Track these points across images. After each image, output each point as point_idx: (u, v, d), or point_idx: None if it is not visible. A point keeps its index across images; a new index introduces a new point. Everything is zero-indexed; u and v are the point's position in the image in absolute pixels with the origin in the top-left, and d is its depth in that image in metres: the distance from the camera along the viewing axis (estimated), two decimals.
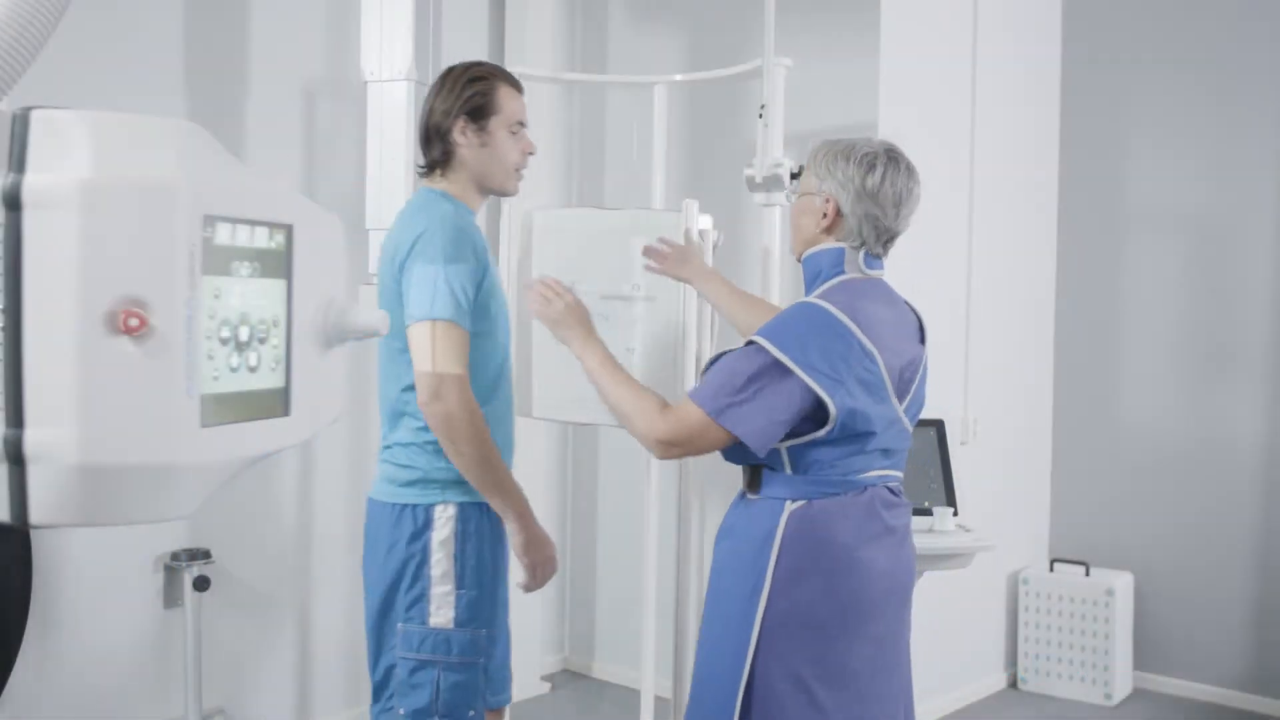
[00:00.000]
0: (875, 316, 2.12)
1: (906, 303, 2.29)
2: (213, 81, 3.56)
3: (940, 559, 2.80)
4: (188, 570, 3.39)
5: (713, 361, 2.18)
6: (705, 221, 3.16)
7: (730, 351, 2.14)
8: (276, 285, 1.53)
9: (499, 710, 2.67)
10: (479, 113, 2.46)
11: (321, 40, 3.83)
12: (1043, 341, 4.70)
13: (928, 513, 2.85)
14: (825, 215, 2.19)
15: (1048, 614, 4.46)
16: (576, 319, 2.33)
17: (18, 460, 1.30)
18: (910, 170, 2.21)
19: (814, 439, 2.08)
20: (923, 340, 2.26)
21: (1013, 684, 4.56)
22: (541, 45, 4.35)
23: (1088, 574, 4.43)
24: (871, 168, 2.15)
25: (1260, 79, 4.24)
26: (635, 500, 3.75)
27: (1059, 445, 4.73)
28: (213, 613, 3.53)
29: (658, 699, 3.64)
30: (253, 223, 1.48)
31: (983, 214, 4.22)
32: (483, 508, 2.46)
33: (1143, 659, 4.47)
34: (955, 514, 2.87)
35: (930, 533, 2.80)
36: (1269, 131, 4.23)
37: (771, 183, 3.38)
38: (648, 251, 2.76)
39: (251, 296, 1.48)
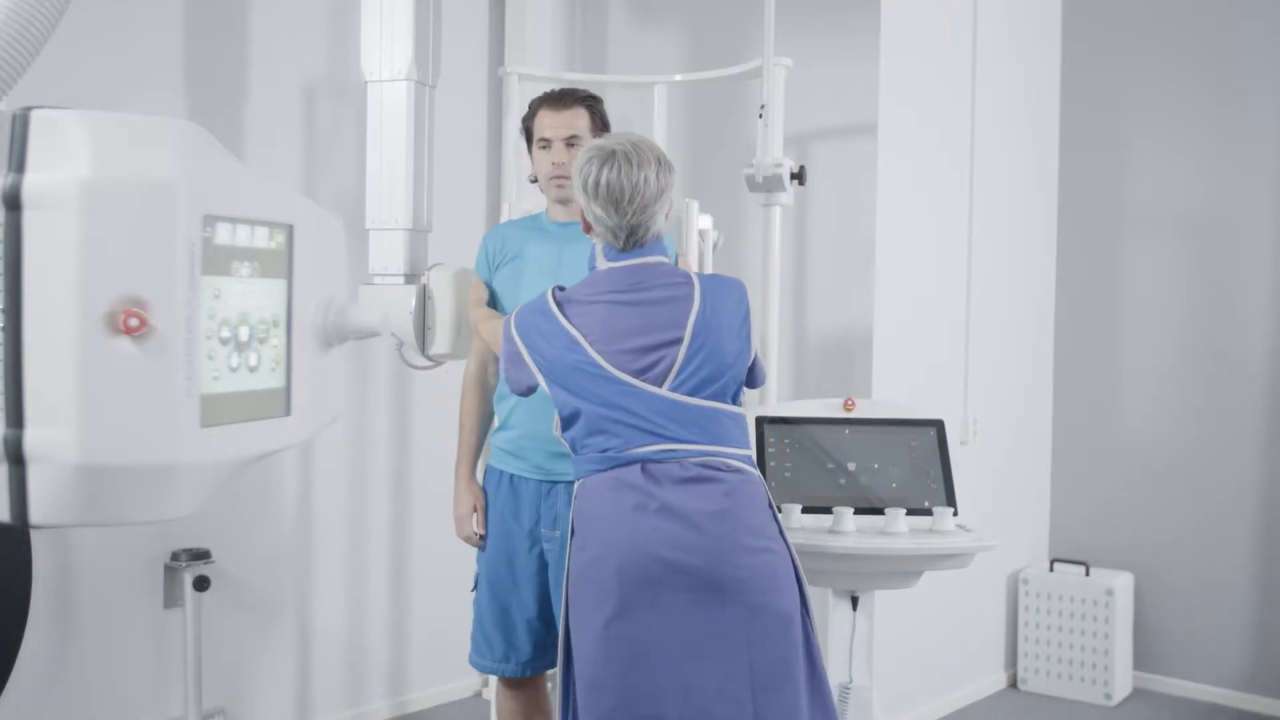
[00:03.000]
0: (590, 303, 2.32)
1: (695, 279, 2.37)
2: (213, 81, 3.56)
3: (940, 559, 2.80)
4: (188, 570, 3.39)
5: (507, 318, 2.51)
6: (705, 221, 3.16)
7: None
8: (276, 285, 1.53)
9: (509, 680, 2.82)
10: (528, 136, 2.94)
11: (321, 40, 3.83)
12: (1043, 341, 4.70)
13: (928, 513, 2.85)
14: (582, 219, 2.41)
15: (1048, 614, 4.46)
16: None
17: (18, 460, 1.30)
18: (637, 163, 2.31)
19: (564, 420, 2.33)
20: (697, 318, 2.31)
21: (1013, 684, 4.56)
22: (541, 45, 4.35)
23: (1088, 574, 4.42)
24: (596, 168, 2.31)
25: (1260, 79, 4.24)
26: None
27: (1059, 445, 4.73)
28: (213, 613, 3.53)
29: None
30: (253, 223, 1.48)
31: (982, 214, 4.22)
32: (500, 474, 2.88)
33: (1143, 659, 4.47)
34: (955, 514, 2.87)
35: (930, 533, 2.80)
36: (1269, 131, 4.23)
37: (771, 183, 3.38)
38: None
39: (251, 296, 1.48)
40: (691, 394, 2.28)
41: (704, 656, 2.20)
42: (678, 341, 2.28)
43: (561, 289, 2.40)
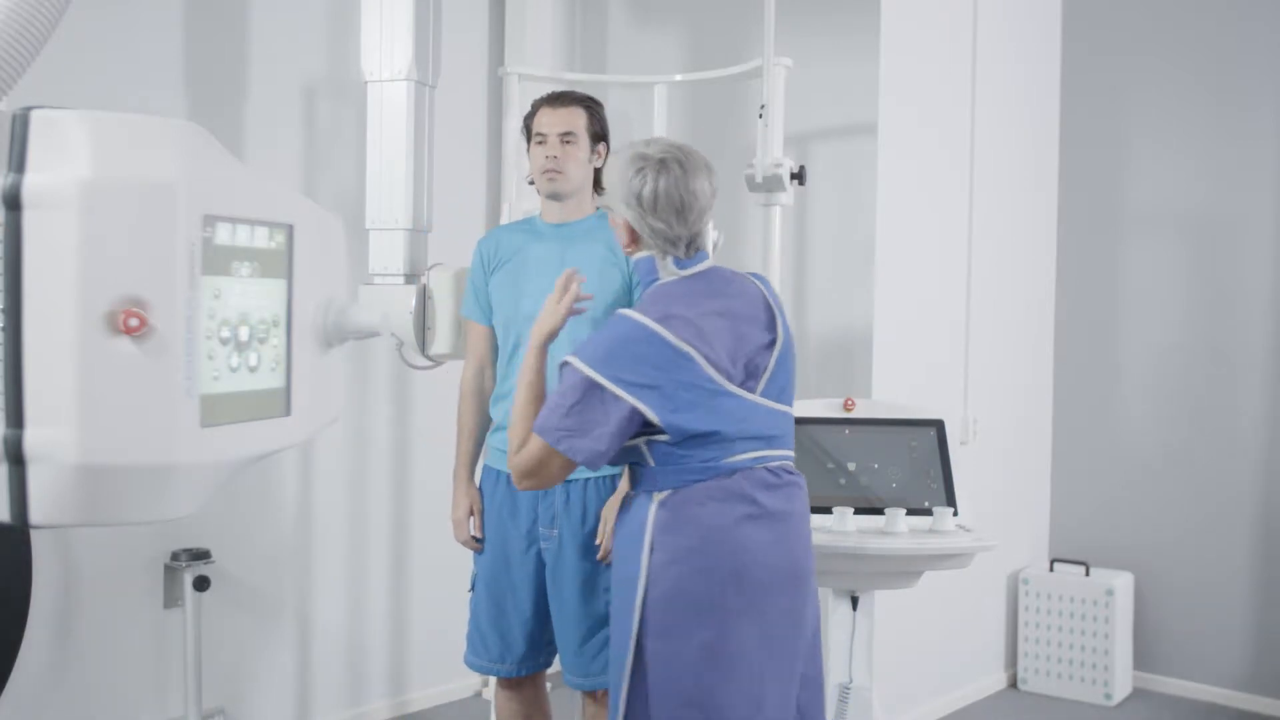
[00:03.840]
0: (694, 315, 2.16)
1: (757, 281, 2.31)
2: (213, 81, 3.56)
3: (940, 559, 2.80)
4: (188, 570, 3.39)
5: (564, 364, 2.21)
6: None
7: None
8: (276, 285, 1.53)
9: (506, 680, 2.84)
10: (527, 134, 2.93)
11: (321, 40, 3.83)
12: (1043, 341, 4.69)
13: (928, 513, 2.85)
14: (620, 228, 2.26)
15: (1048, 614, 4.46)
16: (549, 328, 2.32)
17: (18, 460, 1.30)
18: (689, 169, 2.22)
19: (664, 440, 2.16)
20: (775, 319, 2.27)
21: (1013, 684, 4.56)
22: (541, 45, 4.35)
23: (1088, 574, 4.43)
24: (644, 180, 2.19)
25: (1261, 78, 4.24)
26: None
27: (1059, 445, 4.73)
28: (213, 613, 3.53)
29: None
30: (253, 223, 1.48)
31: (983, 214, 4.22)
32: (497, 474, 2.90)
33: (1143, 659, 4.47)
34: (955, 514, 2.87)
35: (930, 533, 2.80)
36: (1269, 131, 4.23)
37: (771, 183, 3.38)
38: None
39: (251, 296, 1.48)
40: (776, 398, 2.25)
41: (789, 656, 2.24)
42: (771, 346, 2.24)
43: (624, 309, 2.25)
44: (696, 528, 2.16)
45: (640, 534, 2.20)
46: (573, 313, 2.30)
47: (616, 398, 2.10)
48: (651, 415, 2.10)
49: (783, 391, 2.26)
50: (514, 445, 2.20)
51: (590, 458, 2.13)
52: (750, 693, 2.17)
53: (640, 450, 2.19)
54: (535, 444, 2.15)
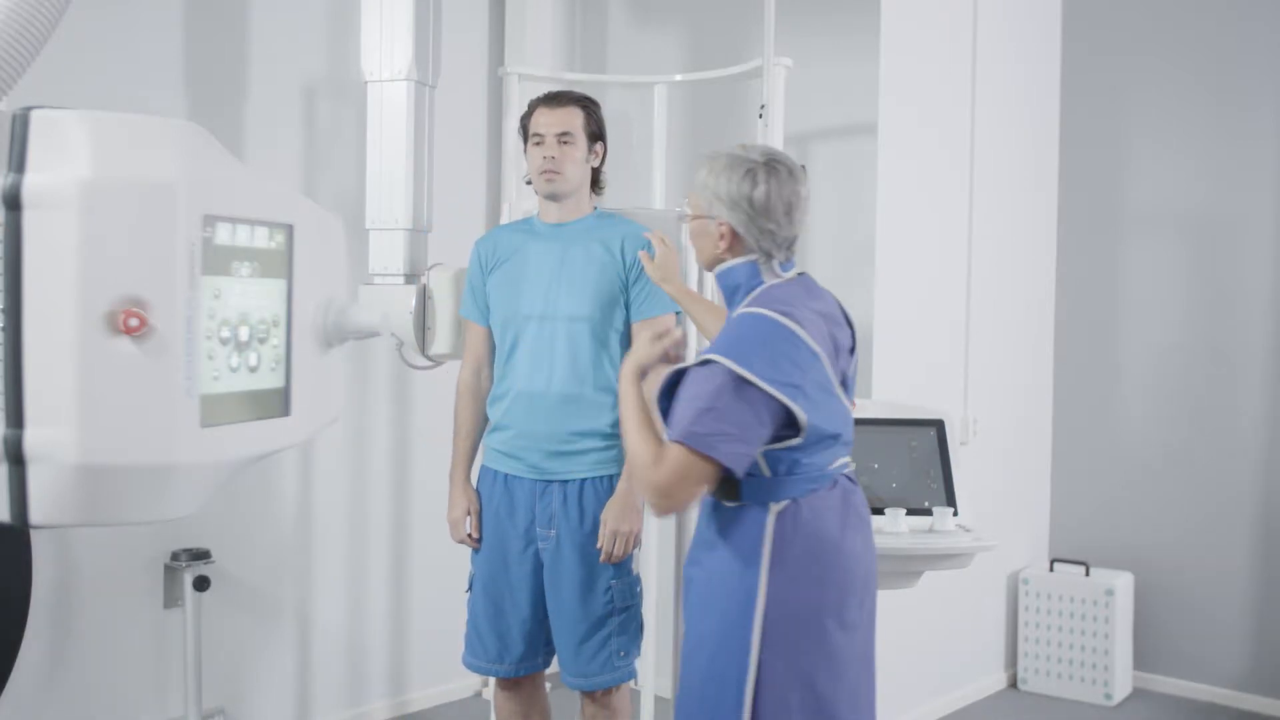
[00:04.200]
0: (810, 315, 2.13)
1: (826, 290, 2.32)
2: (213, 81, 3.56)
3: (940, 559, 2.80)
4: (188, 570, 3.39)
5: (669, 385, 2.13)
6: None
7: (687, 372, 2.09)
8: (276, 285, 1.53)
9: (504, 680, 2.84)
10: (524, 134, 2.93)
11: (321, 40, 3.83)
12: (1043, 341, 4.69)
13: (928, 513, 2.85)
14: (722, 237, 2.18)
15: (1048, 614, 4.46)
16: (641, 362, 2.24)
17: (18, 460, 1.30)
18: (793, 173, 2.20)
19: (790, 445, 2.08)
20: (849, 324, 2.28)
21: (1013, 684, 4.56)
22: (541, 45, 4.35)
23: (1088, 574, 4.42)
24: (755, 183, 2.15)
25: (1261, 78, 4.24)
26: None
27: (1059, 445, 4.73)
28: (213, 613, 3.53)
29: (658, 699, 3.64)
30: (253, 223, 1.48)
31: (983, 214, 4.22)
32: (495, 474, 2.90)
33: (1143, 659, 4.47)
34: (955, 514, 2.87)
35: (930, 533, 2.80)
36: (1269, 131, 4.23)
37: None
38: (642, 256, 2.82)
39: (251, 296, 1.48)
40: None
41: (873, 656, 2.27)
42: (852, 350, 2.25)
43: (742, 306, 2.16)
44: (814, 539, 2.12)
45: (757, 549, 2.10)
46: (667, 359, 2.26)
47: (770, 397, 2.00)
48: (801, 415, 2.02)
49: (851, 396, 2.26)
50: (645, 463, 2.04)
51: (744, 464, 2.02)
52: (855, 698, 2.17)
53: (756, 459, 2.09)
54: (678, 455, 1.99)
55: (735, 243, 2.18)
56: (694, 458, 1.98)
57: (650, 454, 2.04)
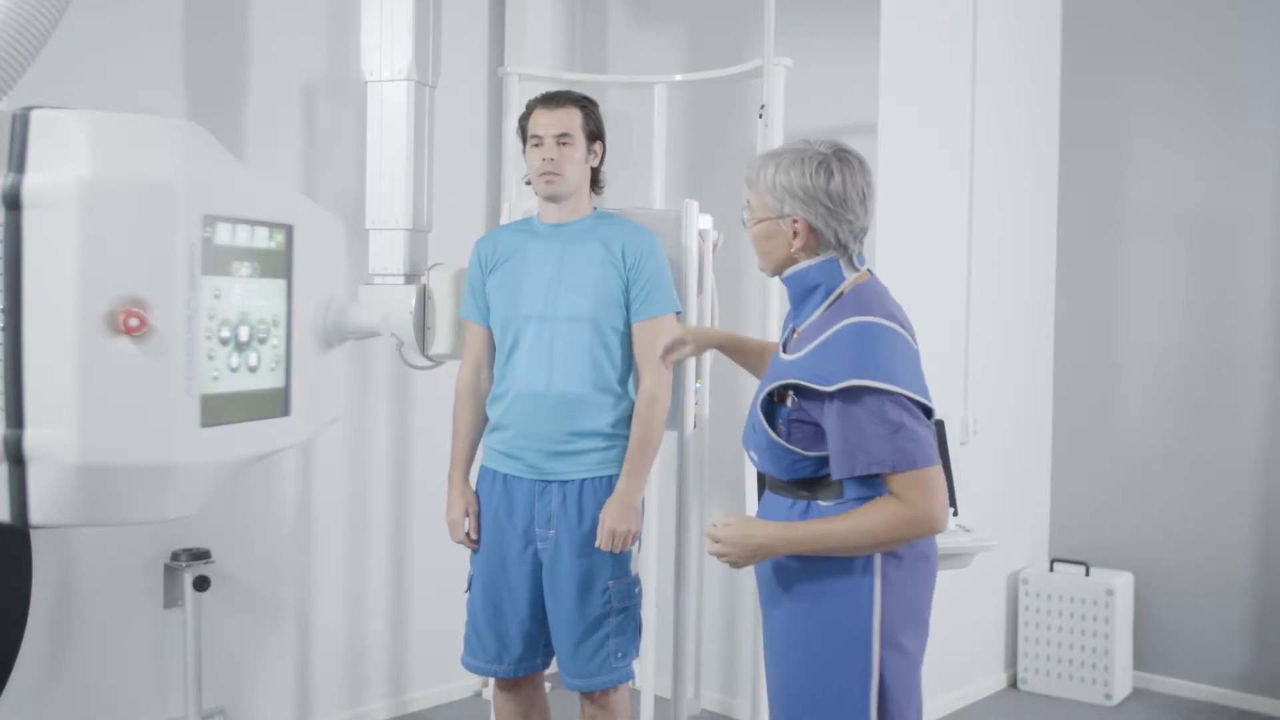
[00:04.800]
0: (900, 310, 2.10)
1: None
2: (213, 81, 3.56)
3: (941, 559, 2.79)
4: (188, 570, 3.39)
5: (770, 411, 2.06)
6: (705, 221, 3.16)
7: (827, 403, 2.00)
8: (276, 285, 1.53)
9: (504, 680, 2.85)
10: (522, 135, 2.93)
11: (321, 40, 3.83)
12: (1043, 341, 4.69)
13: None
14: (796, 235, 2.10)
15: (1048, 614, 4.46)
16: (760, 544, 2.09)
17: (18, 460, 1.30)
18: (862, 162, 2.15)
19: None
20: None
21: (1013, 684, 4.56)
22: (541, 45, 4.35)
23: (1088, 574, 4.42)
24: (829, 175, 2.08)
25: (1261, 78, 4.24)
26: None
27: (1059, 445, 4.73)
28: (213, 613, 3.53)
29: (658, 699, 3.64)
30: (253, 223, 1.48)
31: (983, 214, 4.22)
32: (494, 474, 2.90)
33: (1143, 659, 4.47)
34: (955, 514, 2.87)
35: None
36: (1269, 131, 4.23)
37: None
38: (666, 353, 2.65)
39: (251, 296, 1.48)
40: None
41: None
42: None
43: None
44: (930, 547, 2.13)
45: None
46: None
47: (916, 403, 2.00)
48: (936, 415, 2.03)
49: None
50: (898, 519, 1.97)
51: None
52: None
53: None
54: (910, 481, 1.96)
55: (810, 240, 2.10)
56: (923, 475, 1.97)
57: (887, 514, 1.97)
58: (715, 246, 3.24)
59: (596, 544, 2.78)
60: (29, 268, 1.29)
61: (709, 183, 4.14)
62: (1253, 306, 4.26)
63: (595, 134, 2.91)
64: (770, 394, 2.10)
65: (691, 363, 3.09)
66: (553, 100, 2.88)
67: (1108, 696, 4.33)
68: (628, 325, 2.85)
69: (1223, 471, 4.32)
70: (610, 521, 2.77)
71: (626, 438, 2.84)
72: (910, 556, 2.09)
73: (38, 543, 3.09)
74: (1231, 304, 4.31)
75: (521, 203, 3.90)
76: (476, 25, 4.30)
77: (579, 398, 2.81)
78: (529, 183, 2.97)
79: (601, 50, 4.55)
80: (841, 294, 2.09)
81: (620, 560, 2.83)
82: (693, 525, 3.18)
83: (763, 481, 2.28)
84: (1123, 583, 4.38)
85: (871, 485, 2.03)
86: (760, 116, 3.39)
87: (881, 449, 1.96)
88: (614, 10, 4.55)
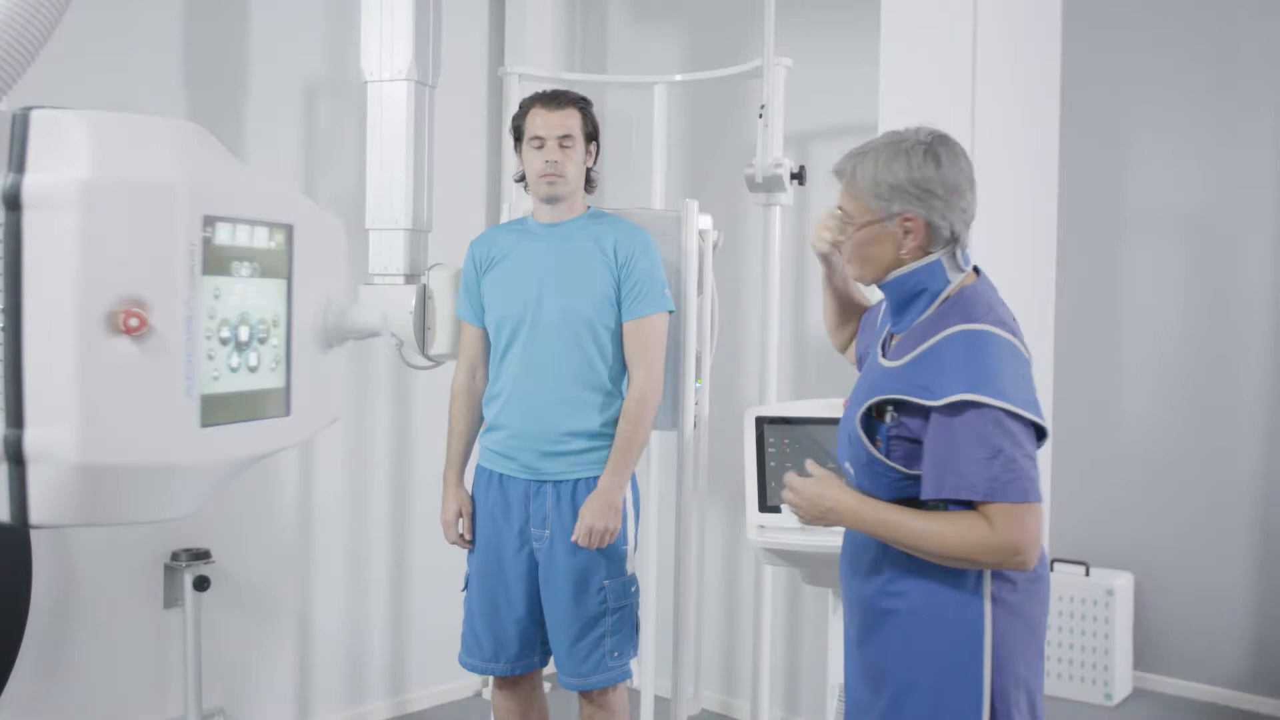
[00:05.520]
0: (1010, 314, 1.97)
1: None
2: (213, 81, 3.56)
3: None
4: (188, 570, 3.39)
5: (867, 425, 1.92)
6: (705, 221, 3.16)
7: (944, 423, 1.85)
8: (276, 285, 1.53)
9: (502, 679, 2.85)
10: (517, 135, 2.91)
11: (321, 40, 3.83)
12: (1043, 341, 4.68)
13: None
14: (909, 234, 1.93)
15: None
16: (830, 507, 1.96)
17: (18, 460, 1.30)
18: (959, 146, 2.01)
19: None
20: None
21: None
22: (541, 45, 4.35)
23: (1088, 574, 4.42)
24: (937, 162, 1.92)
25: (1261, 79, 4.24)
26: None
27: (1058, 445, 4.71)
28: (213, 613, 3.53)
29: (657, 699, 3.64)
30: (253, 223, 1.48)
31: (982, 214, 4.20)
32: (489, 474, 2.90)
33: (1143, 659, 4.47)
34: None
35: None
36: (1269, 131, 4.23)
37: (771, 183, 3.38)
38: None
39: (251, 296, 1.48)
40: None
41: None
42: None
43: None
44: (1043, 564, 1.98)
45: (978, 573, 1.91)
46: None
47: (1032, 424, 1.86)
48: (1047, 433, 1.88)
49: None
50: (973, 540, 1.83)
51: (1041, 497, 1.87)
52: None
53: None
54: (1004, 513, 1.80)
55: (924, 238, 1.94)
56: (1018, 509, 1.81)
57: (968, 530, 1.83)
58: (715, 246, 3.24)
59: (574, 538, 2.78)
60: (29, 268, 1.29)
61: (709, 183, 4.14)
62: (1253, 306, 4.26)
63: (592, 134, 2.91)
64: (869, 408, 1.94)
65: (691, 362, 3.09)
66: (553, 101, 2.87)
67: (1108, 696, 4.33)
68: (619, 324, 2.85)
69: (1223, 472, 4.31)
70: (589, 517, 2.77)
71: None
72: (1023, 579, 1.92)
73: (38, 543, 3.09)
74: (1231, 304, 4.31)
75: (522, 202, 3.90)
76: (476, 25, 4.30)
77: (572, 397, 2.81)
78: (518, 180, 2.98)
79: (601, 50, 4.55)
80: (947, 298, 1.95)
81: (616, 559, 2.83)
82: (692, 525, 3.19)
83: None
84: (1123, 583, 4.38)
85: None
86: (760, 116, 3.39)
87: (975, 473, 1.81)
88: (614, 10, 4.55)
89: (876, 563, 1.98)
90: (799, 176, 3.41)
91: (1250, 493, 4.27)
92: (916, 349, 1.92)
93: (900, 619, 1.94)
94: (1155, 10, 4.45)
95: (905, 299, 1.99)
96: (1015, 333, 1.93)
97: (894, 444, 1.91)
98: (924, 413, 1.87)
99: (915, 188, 1.91)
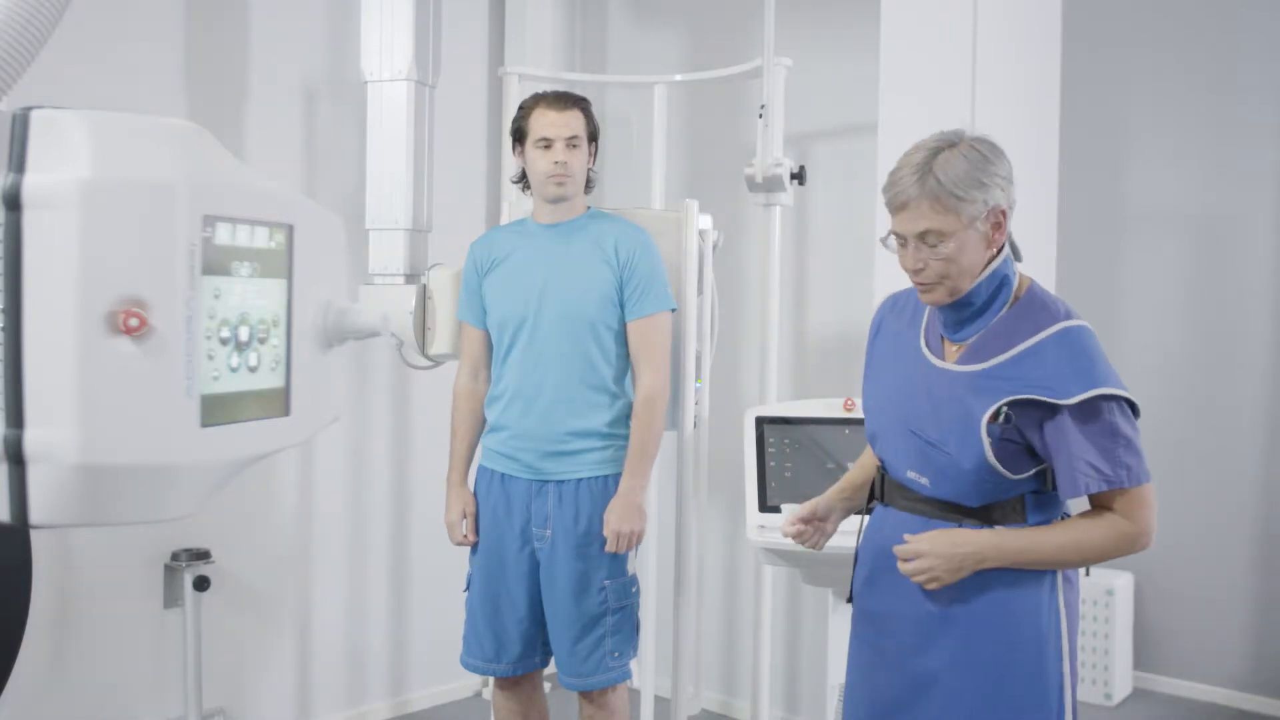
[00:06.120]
0: None
1: None
2: (213, 81, 3.56)
3: None
4: (188, 570, 3.39)
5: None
6: (705, 221, 3.16)
7: (1076, 419, 1.86)
8: (276, 285, 1.53)
9: (503, 680, 2.90)
10: (519, 135, 2.88)
11: (321, 40, 3.83)
12: None
13: None
14: (998, 227, 1.92)
15: None
16: (969, 552, 1.92)
17: (18, 460, 1.30)
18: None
19: None
20: None
21: None
22: (541, 45, 4.35)
23: (1087, 574, 4.39)
24: (998, 154, 1.97)
25: (1262, 78, 4.24)
26: None
27: None
28: (213, 613, 3.53)
29: (657, 699, 3.64)
30: (253, 223, 1.48)
31: None
32: (491, 474, 2.90)
33: (1143, 659, 4.47)
34: None
35: None
36: (1270, 130, 4.23)
37: (771, 183, 3.38)
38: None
39: (251, 296, 1.48)
40: None
41: None
42: None
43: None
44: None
45: (1050, 572, 1.95)
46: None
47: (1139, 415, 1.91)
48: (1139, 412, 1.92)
49: None
50: (1119, 534, 1.89)
51: None
52: None
53: (1046, 475, 1.93)
54: (1146, 495, 1.88)
55: (1005, 229, 1.94)
56: (1144, 491, 1.88)
57: (1108, 530, 1.89)
58: (715, 246, 3.24)
59: (606, 548, 2.78)
60: (29, 268, 1.29)
61: (709, 183, 4.14)
62: (1253, 306, 4.26)
63: (593, 134, 2.91)
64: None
65: (691, 362, 3.09)
66: (559, 101, 2.86)
67: (1108, 696, 4.33)
68: (622, 324, 2.85)
69: (1223, 472, 4.31)
70: (615, 522, 2.77)
71: (623, 437, 2.84)
72: (1072, 577, 2.01)
73: (38, 543, 3.09)
74: (1232, 303, 4.31)
75: (522, 203, 3.90)
76: (476, 25, 4.30)
77: (575, 398, 2.81)
78: (516, 181, 2.97)
79: (601, 50, 4.55)
80: (1018, 297, 1.96)
81: (617, 560, 2.83)
82: (692, 525, 3.19)
83: (874, 499, 2.10)
84: (1123, 583, 4.38)
85: (1052, 508, 1.96)
86: (760, 116, 3.39)
87: (1110, 465, 1.85)
88: (614, 10, 4.55)
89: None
90: (799, 176, 3.41)
91: (1250, 493, 4.27)
92: (1011, 350, 1.90)
93: (970, 623, 1.93)
94: (1155, 9, 4.45)
95: (990, 295, 1.95)
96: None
97: (1002, 447, 1.89)
98: (1040, 413, 1.86)
99: (1000, 178, 1.92)
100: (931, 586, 1.92)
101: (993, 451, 1.88)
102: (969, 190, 1.89)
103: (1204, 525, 4.35)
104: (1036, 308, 1.93)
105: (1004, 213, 1.92)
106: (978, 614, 1.93)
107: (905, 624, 2.00)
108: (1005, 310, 1.95)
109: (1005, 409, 1.87)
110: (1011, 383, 1.88)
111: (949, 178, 1.89)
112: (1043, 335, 1.89)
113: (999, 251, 1.94)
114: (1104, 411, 1.85)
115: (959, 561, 1.89)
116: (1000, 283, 1.95)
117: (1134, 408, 1.90)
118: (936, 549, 1.90)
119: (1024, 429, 1.88)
